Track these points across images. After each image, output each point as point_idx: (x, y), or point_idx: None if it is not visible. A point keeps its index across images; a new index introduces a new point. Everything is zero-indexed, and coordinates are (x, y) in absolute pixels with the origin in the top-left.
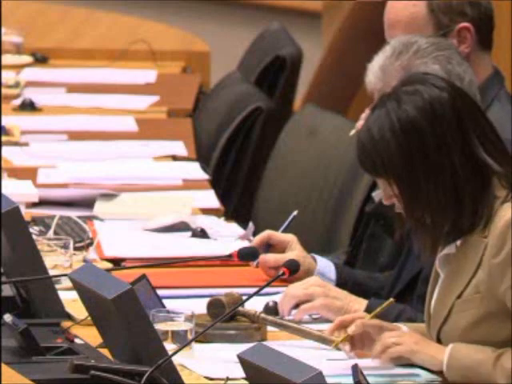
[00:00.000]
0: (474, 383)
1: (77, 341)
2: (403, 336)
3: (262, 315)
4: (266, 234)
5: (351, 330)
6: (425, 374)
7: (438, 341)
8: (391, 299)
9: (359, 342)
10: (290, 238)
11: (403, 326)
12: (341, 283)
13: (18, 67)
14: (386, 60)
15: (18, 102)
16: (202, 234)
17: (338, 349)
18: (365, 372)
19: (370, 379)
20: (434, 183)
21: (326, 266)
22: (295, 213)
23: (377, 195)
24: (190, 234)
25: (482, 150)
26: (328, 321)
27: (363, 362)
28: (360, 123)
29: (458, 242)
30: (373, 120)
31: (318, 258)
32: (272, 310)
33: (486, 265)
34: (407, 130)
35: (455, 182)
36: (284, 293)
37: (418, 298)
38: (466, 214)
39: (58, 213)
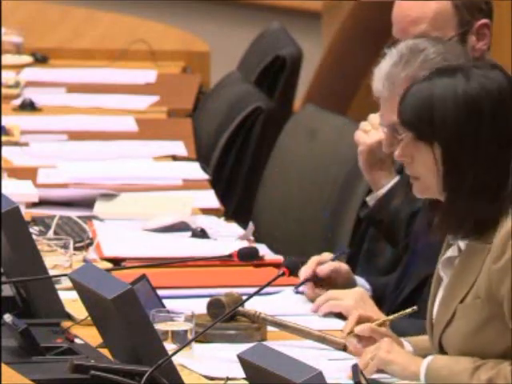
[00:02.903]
0: None
1: (77, 341)
2: (379, 348)
3: (262, 315)
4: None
5: (358, 330)
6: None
7: (440, 347)
8: (415, 307)
9: (365, 341)
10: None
11: (404, 341)
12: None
13: (18, 67)
14: (393, 68)
15: (18, 102)
16: (202, 233)
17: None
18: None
19: (369, 379)
20: (479, 164)
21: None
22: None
23: (371, 199)
24: (190, 234)
25: None
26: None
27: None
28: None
29: (463, 246)
30: (438, 83)
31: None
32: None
33: (486, 270)
34: (469, 105)
35: (497, 170)
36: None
37: (427, 303)
38: (497, 203)
39: (58, 213)
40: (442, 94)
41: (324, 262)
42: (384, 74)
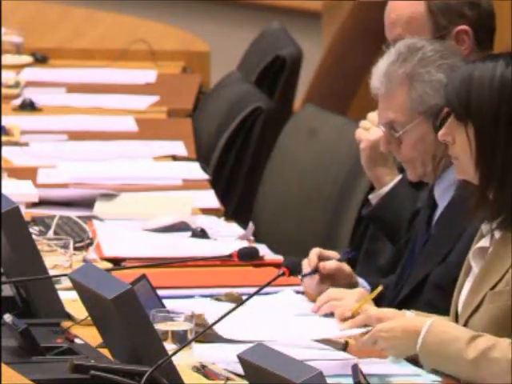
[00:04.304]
0: (443, 359)
1: (77, 341)
2: (391, 330)
3: None
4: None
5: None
6: (425, 374)
7: None
8: (380, 287)
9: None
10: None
11: (407, 312)
12: None
13: (18, 67)
14: (391, 66)
15: (18, 102)
16: (202, 233)
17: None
18: (364, 372)
19: (369, 379)
20: (509, 150)
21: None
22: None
23: (374, 198)
24: (189, 233)
25: None
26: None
27: (363, 362)
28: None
29: (497, 236)
30: (479, 66)
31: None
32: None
33: None
34: (503, 89)
35: None
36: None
37: (426, 305)
38: None
39: (58, 213)
40: (480, 76)
41: (324, 256)
42: (382, 71)
